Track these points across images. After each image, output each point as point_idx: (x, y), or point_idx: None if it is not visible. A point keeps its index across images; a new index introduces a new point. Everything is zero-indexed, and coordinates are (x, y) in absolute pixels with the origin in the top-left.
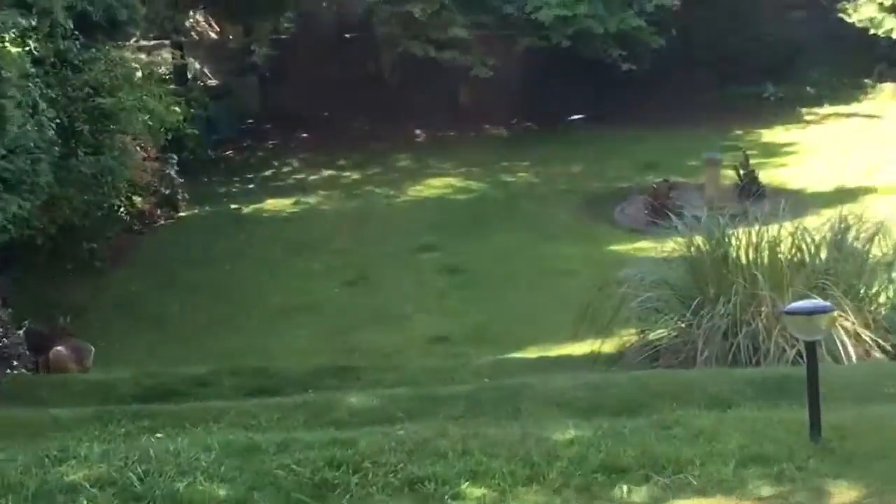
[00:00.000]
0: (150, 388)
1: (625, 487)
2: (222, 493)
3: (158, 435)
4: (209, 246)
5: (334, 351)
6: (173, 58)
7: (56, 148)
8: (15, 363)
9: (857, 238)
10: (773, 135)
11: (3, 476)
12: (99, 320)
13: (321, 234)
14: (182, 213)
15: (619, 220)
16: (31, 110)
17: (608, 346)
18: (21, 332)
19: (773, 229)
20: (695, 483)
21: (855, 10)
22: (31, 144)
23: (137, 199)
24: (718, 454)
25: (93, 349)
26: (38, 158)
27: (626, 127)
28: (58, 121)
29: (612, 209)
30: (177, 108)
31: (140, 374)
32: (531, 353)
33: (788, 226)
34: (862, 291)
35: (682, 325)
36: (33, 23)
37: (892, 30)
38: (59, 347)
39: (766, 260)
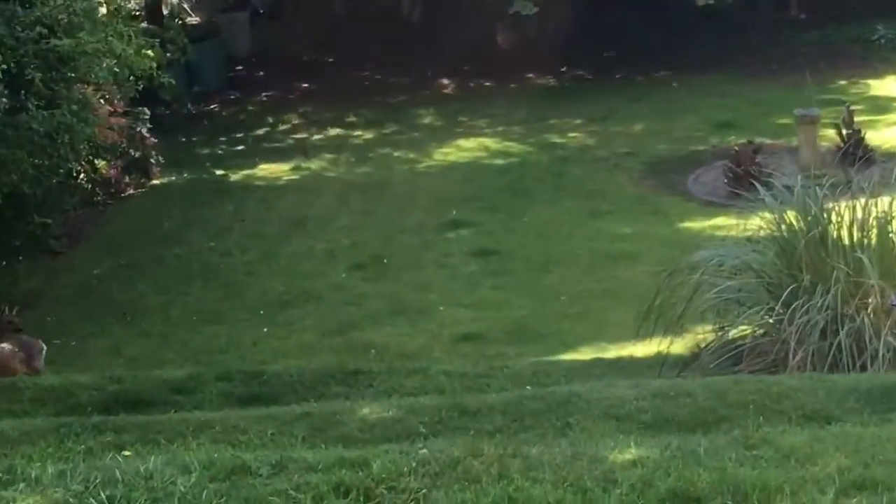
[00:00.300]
0: (115, 395)
1: None
2: None
3: (126, 453)
4: (188, 220)
5: (341, 350)
6: None
7: (2, 100)
8: None
9: None
10: (883, 86)
11: None
12: (53, 311)
13: (326, 207)
14: (155, 181)
15: (692, 191)
16: None
17: (678, 346)
18: None
19: (883, 203)
20: None
21: None
22: None
23: (101, 164)
24: (814, 480)
25: (44, 347)
26: None
27: (700, 76)
28: (4, 67)
29: (684, 177)
30: (150, 52)
31: (103, 378)
32: (583, 355)
33: None
34: None
35: (770, 321)
36: None
37: None
38: (2, 344)
39: (874, 240)
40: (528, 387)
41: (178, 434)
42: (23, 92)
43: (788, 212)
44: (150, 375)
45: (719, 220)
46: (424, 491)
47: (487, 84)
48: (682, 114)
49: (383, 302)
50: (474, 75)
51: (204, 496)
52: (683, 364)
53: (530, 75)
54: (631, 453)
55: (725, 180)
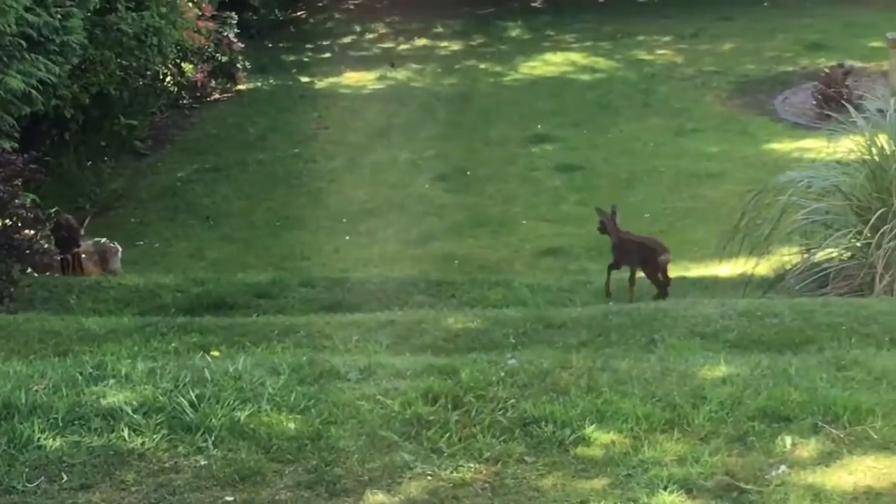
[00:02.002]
0: (198, 296)
1: (788, 439)
2: (292, 425)
3: (214, 353)
4: (273, 126)
5: (423, 260)
6: None
7: (93, 0)
8: (38, 261)
9: None
10: None
11: (29, 394)
12: (137, 212)
13: (411, 117)
14: (241, 86)
15: (780, 112)
16: None
17: (763, 267)
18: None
19: None
20: (875, 437)
21: None
22: None
23: (188, 67)
24: None
25: (119, 249)
26: (69, 13)
27: None
28: None
29: (772, 98)
30: None
31: (187, 280)
32: None
33: None
34: None
35: (858, 245)
36: None
37: None
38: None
39: None
40: (610, 302)
41: (262, 337)
42: None
43: (880, 135)
44: (233, 279)
45: (807, 142)
46: (513, 401)
47: None
48: (771, 34)
49: (465, 214)
50: None
51: (293, 398)
52: (768, 285)
53: None
54: (720, 370)
55: (814, 102)
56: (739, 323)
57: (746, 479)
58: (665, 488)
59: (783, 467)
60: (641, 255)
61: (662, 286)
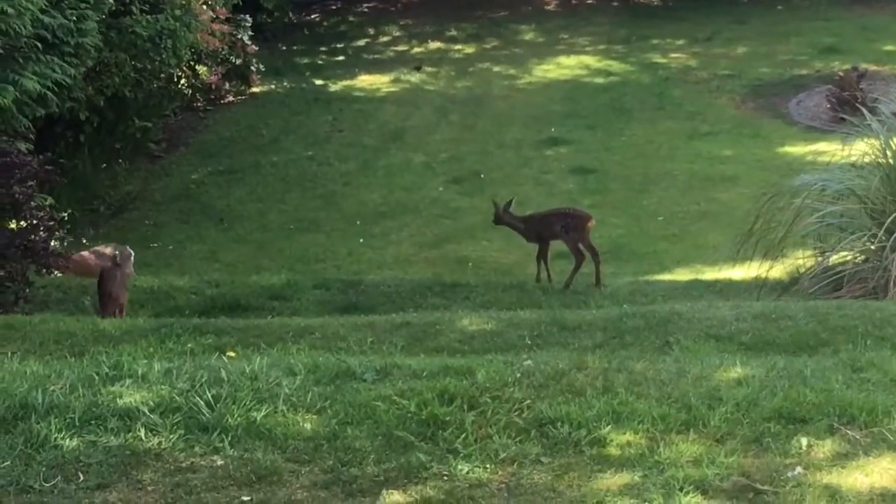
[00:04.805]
0: (213, 298)
1: (804, 440)
2: (308, 426)
3: (230, 354)
4: (287, 129)
5: (437, 263)
6: None
7: (108, 2)
8: (52, 262)
9: None
10: None
11: (46, 394)
12: (151, 215)
13: (425, 120)
14: (255, 89)
15: (794, 115)
16: None
17: (777, 270)
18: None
19: None
20: (891, 438)
21: None
22: None
23: (202, 70)
24: None
25: (132, 253)
26: (84, 15)
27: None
28: None
29: (786, 101)
30: None
31: (201, 282)
32: (680, 276)
33: None
34: None
35: (872, 248)
36: None
37: None
38: (97, 249)
39: None
40: (624, 305)
41: (277, 338)
42: None
43: (895, 139)
44: (247, 281)
45: (821, 145)
46: (528, 401)
47: (590, 1)
48: (785, 37)
49: (479, 217)
50: None
51: (309, 398)
52: (782, 288)
53: None
54: (736, 372)
55: (828, 105)
56: (754, 325)
57: (762, 480)
58: (681, 489)
59: (799, 468)
60: (564, 224)
61: (580, 259)
